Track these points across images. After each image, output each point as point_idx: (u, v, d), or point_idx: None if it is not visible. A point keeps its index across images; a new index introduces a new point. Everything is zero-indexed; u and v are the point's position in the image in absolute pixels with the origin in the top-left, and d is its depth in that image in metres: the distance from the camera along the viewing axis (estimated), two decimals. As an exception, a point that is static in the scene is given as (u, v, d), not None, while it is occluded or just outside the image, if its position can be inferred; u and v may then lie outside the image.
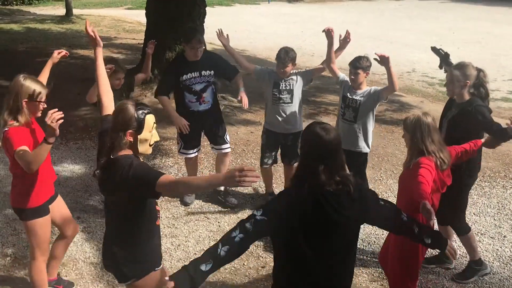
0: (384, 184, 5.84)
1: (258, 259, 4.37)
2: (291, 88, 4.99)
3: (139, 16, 15.99)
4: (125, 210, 2.71)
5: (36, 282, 3.57)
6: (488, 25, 19.20)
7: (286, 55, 4.86)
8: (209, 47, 10.77)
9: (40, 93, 3.38)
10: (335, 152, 2.40)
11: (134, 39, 13.96)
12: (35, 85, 3.39)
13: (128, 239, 2.77)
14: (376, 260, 4.43)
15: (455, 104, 4.01)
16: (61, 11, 18.61)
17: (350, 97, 4.64)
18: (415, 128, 3.29)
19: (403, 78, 11.36)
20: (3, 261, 4.25)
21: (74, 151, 6.49)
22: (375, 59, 4.32)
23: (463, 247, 4.31)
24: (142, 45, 9.53)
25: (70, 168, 6.00)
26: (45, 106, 3.41)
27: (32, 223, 3.46)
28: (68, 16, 17.29)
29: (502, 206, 5.45)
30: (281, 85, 4.97)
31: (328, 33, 4.67)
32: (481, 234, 4.93)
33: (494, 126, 3.72)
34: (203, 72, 5.01)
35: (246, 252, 4.41)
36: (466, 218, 5.16)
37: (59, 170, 5.94)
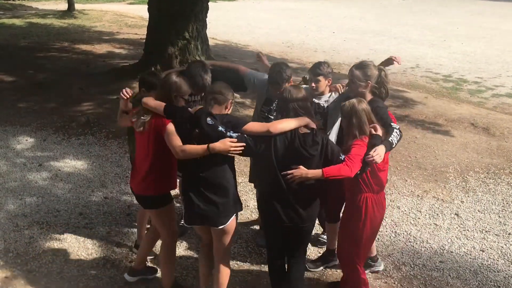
0: (388, 180, 5.79)
1: (261, 256, 4.35)
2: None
3: (141, 11, 15.93)
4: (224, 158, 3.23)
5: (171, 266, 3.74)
6: (492, 20, 19.09)
7: (280, 76, 3.97)
8: (211, 42, 10.72)
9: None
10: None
11: (136, 34, 13.92)
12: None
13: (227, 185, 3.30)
14: (380, 257, 4.40)
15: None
16: (63, 6, 18.57)
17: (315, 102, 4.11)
18: (351, 114, 3.42)
19: (407, 73, 11.29)
20: (5, 258, 4.23)
21: (76, 147, 6.46)
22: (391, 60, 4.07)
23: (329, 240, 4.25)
24: (144, 40, 9.49)
25: (72, 164, 5.97)
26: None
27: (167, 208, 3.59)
28: (70, 11, 17.26)
29: (507, 203, 5.41)
30: (273, 105, 4.20)
31: None
32: (486, 231, 4.89)
33: (389, 130, 3.56)
34: None
35: (249, 249, 4.40)
36: (471, 215, 5.15)
37: (61, 165, 5.92)
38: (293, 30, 16.53)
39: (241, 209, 3.53)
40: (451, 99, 9.39)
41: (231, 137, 3.19)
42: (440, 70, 11.69)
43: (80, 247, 4.43)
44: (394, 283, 4.12)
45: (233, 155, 3.28)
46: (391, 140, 3.44)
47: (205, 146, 3.17)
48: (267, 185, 3.38)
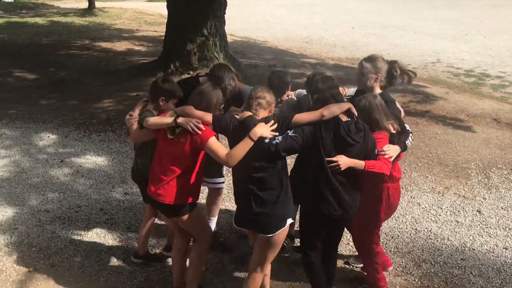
0: (408, 177, 5.73)
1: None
2: None
3: (161, 8, 16.03)
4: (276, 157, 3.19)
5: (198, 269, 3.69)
6: (518, 13, 18.66)
7: (281, 81, 3.97)
8: (230, 39, 10.74)
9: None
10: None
11: (155, 31, 14.02)
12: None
13: (286, 192, 3.24)
14: (400, 254, 4.36)
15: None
16: (83, 4, 18.80)
17: None
18: (370, 110, 3.44)
19: (428, 68, 11.12)
20: (29, 252, 4.31)
21: (97, 143, 6.55)
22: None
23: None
24: (163, 37, 9.55)
25: (93, 160, 6.05)
26: None
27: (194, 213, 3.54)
28: (90, 9, 17.49)
29: (531, 200, 5.30)
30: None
31: None
32: (509, 229, 4.79)
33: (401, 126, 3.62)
34: None
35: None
36: (493, 212, 5.06)
37: (82, 162, 6.00)
38: (312, 25, 16.43)
39: (294, 217, 3.46)
40: (473, 94, 9.22)
41: (277, 143, 3.10)
42: (462, 65, 11.48)
43: (101, 242, 4.49)
44: (415, 281, 4.07)
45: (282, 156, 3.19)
46: (407, 143, 3.55)
47: (246, 138, 3.10)
48: (314, 176, 3.28)
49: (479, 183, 5.65)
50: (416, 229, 4.77)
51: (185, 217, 3.44)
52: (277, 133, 3.16)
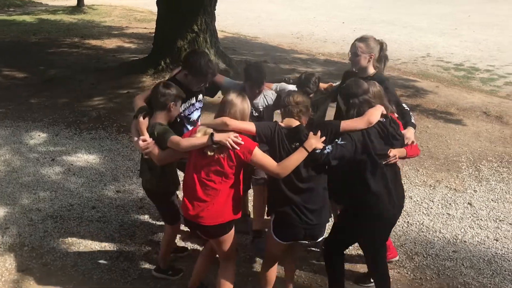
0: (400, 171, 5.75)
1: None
2: (261, 115, 4.14)
3: (150, 5, 15.91)
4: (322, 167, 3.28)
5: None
6: (505, 7, 18.79)
7: (259, 73, 3.97)
8: (221, 35, 10.70)
9: None
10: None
11: (145, 28, 13.94)
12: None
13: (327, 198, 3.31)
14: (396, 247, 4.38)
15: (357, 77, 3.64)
16: (72, 1, 18.62)
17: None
18: (380, 97, 3.43)
19: (418, 63, 11.17)
20: (21, 251, 4.29)
21: (88, 141, 6.51)
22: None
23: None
24: (153, 34, 9.50)
25: (85, 158, 6.02)
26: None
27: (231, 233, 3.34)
28: (79, 7, 17.35)
29: (521, 192, 5.36)
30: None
31: None
32: (500, 220, 4.85)
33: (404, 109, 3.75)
34: (199, 97, 3.98)
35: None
36: (484, 204, 5.11)
37: (74, 160, 5.97)
38: (302, 21, 16.43)
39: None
40: (463, 88, 9.28)
41: (328, 153, 3.08)
42: (452, 59, 11.56)
43: (94, 240, 4.47)
44: (407, 273, 4.10)
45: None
46: (413, 121, 3.68)
47: (301, 149, 3.06)
48: (371, 180, 3.23)
49: (469, 175, 5.70)
50: (408, 222, 4.81)
51: (225, 236, 3.27)
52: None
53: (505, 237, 4.59)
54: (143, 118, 3.40)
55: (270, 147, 3.19)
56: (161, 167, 3.49)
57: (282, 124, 3.20)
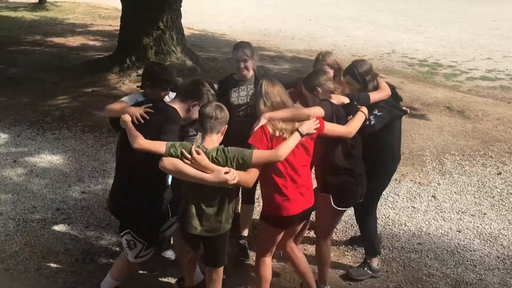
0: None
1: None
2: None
3: (115, 2, 15.63)
4: None
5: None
6: (463, 5, 19.32)
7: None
8: (187, 32, 10.61)
9: None
10: None
11: (110, 25, 13.70)
12: None
13: None
14: (360, 241, 4.44)
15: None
16: (34, -2, 18.14)
17: None
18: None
19: (383, 59, 11.37)
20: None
21: (51, 141, 6.34)
22: None
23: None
24: (118, 32, 9.34)
25: (48, 159, 5.87)
26: None
27: None
28: (41, 3, 16.89)
29: (482, 184, 5.52)
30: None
31: None
32: (462, 212, 4.98)
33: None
34: None
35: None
36: (447, 197, 5.23)
37: (36, 161, 5.81)
38: (270, 18, 16.47)
39: None
40: (426, 83, 9.50)
41: (374, 124, 3.57)
42: (416, 55, 11.81)
43: (58, 242, 4.36)
44: (374, 266, 4.17)
45: None
46: None
47: (360, 114, 3.49)
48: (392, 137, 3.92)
49: (433, 169, 5.84)
50: (374, 216, 4.88)
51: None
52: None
53: (467, 228, 4.72)
54: (198, 154, 2.94)
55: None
56: (223, 200, 3.09)
57: (335, 101, 3.46)
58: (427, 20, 16.35)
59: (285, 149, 3.05)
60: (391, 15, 17.24)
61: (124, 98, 3.63)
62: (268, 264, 3.44)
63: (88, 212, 4.84)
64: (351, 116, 3.49)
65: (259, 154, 3.01)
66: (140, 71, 8.32)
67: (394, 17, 16.86)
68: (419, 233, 4.64)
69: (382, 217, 4.86)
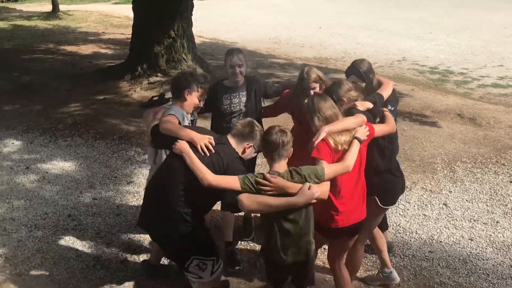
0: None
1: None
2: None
3: (127, 11, 15.79)
4: None
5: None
6: (475, 12, 19.21)
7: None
8: (198, 40, 10.69)
9: None
10: None
11: (122, 34, 13.84)
12: None
13: None
14: (371, 249, 4.42)
15: None
16: (47, 7, 18.37)
17: None
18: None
19: (394, 66, 11.33)
20: (-6, 262, 4.20)
21: (63, 148, 6.41)
22: None
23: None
24: (130, 40, 9.43)
25: (60, 166, 5.93)
26: None
27: None
28: (54, 12, 17.10)
29: (494, 192, 5.46)
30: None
31: None
32: (474, 220, 4.94)
33: None
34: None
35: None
36: (459, 205, 5.19)
37: (49, 168, 5.87)
38: (280, 26, 16.50)
39: None
40: (437, 90, 9.45)
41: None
42: (427, 62, 11.75)
43: (70, 249, 4.40)
44: (385, 275, 4.14)
45: None
46: None
47: (391, 118, 3.62)
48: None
49: (445, 177, 5.79)
50: (385, 224, 4.85)
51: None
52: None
53: (479, 237, 4.67)
54: (273, 178, 2.93)
55: None
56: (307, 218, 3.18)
57: (361, 108, 3.50)
58: (438, 27, 16.27)
59: (351, 160, 3.13)
60: (402, 23, 17.20)
61: (173, 111, 3.38)
62: (343, 267, 3.55)
63: (99, 218, 4.87)
64: (378, 119, 3.61)
65: (330, 169, 3.05)
66: (152, 79, 8.41)
67: (405, 25, 16.81)
68: (431, 241, 4.60)
69: (393, 225, 4.83)
